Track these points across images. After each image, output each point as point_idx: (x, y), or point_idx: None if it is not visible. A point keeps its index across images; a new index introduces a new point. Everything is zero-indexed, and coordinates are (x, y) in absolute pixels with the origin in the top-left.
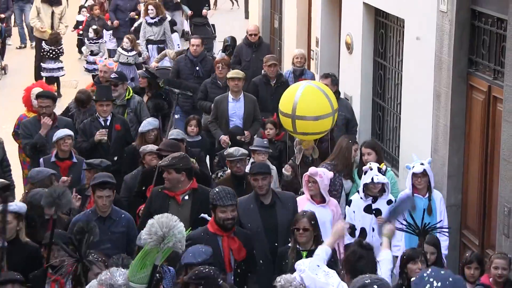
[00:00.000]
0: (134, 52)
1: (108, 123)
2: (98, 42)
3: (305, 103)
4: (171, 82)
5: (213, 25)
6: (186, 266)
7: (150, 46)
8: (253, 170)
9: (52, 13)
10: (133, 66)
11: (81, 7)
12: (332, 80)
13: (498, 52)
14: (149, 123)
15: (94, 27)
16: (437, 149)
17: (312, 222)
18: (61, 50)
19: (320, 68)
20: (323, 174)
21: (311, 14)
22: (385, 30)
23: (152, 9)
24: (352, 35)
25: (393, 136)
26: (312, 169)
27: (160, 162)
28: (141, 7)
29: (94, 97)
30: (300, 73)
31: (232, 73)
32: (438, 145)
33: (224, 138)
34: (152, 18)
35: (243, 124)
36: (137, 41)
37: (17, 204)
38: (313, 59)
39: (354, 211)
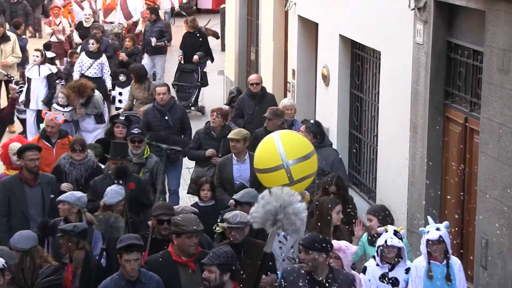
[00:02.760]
0: (70, 108)
1: (121, 182)
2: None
3: (290, 146)
4: (158, 137)
5: (204, 73)
6: None
7: None
8: (304, 241)
9: (1, 51)
10: (70, 124)
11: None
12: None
13: (475, 84)
14: (117, 193)
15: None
16: (414, 181)
17: None
18: None
19: (297, 101)
20: (346, 249)
21: (288, 46)
22: (361, 62)
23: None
24: (328, 67)
25: (370, 168)
26: (335, 244)
27: (187, 227)
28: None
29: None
30: (290, 124)
31: (231, 134)
32: (415, 177)
33: (234, 202)
34: None
35: (251, 187)
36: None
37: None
38: (289, 91)
39: (369, 280)
